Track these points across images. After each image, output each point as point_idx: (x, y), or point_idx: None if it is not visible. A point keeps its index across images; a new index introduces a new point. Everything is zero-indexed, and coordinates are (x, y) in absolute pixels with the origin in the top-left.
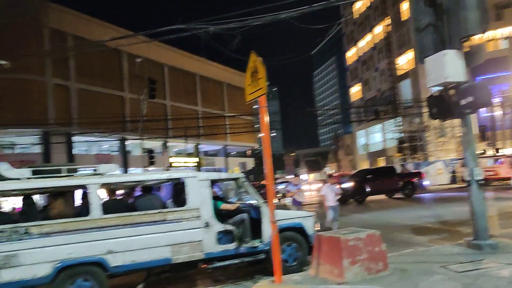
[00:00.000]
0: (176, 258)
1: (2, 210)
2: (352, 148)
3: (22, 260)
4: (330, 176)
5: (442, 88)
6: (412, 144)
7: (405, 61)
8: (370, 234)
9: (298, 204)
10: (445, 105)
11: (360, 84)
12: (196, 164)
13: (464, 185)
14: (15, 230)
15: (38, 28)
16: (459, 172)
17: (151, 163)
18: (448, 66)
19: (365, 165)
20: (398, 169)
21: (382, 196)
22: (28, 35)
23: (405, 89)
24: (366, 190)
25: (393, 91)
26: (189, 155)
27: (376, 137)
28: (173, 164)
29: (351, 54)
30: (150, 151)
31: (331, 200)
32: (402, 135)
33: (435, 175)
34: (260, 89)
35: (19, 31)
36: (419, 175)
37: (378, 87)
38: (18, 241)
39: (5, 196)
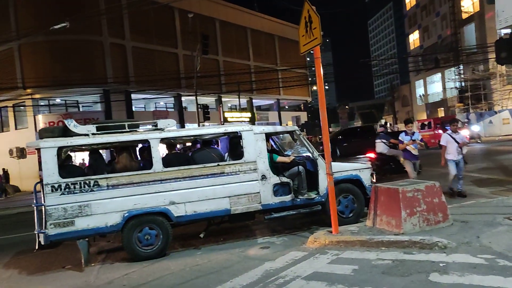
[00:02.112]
0: (234, 209)
1: (73, 163)
2: (409, 99)
3: (94, 210)
4: (454, 121)
5: None
6: (475, 93)
7: (469, 3)
8: (429, 185)
9: (414, 159)
10: None
11: (418, 31)
12: (249, 119)
13: None
14: (86, 182)
15: None
16: None
17: (206, 119)
18: None
19: (423, 116)
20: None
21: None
22: None
23: (469, 35)
24: (336, 152)
25: (455, 37)
26: (243, 110)
27: (436, 87)
28: (227, 119)
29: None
30: (205, 107)
31: (453, 152)
32: (464, 84)
33: (500, 125)
34: (314, 39)
35: None
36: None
37: (438, 33)
38: (90, 192)
39: (74, 151)
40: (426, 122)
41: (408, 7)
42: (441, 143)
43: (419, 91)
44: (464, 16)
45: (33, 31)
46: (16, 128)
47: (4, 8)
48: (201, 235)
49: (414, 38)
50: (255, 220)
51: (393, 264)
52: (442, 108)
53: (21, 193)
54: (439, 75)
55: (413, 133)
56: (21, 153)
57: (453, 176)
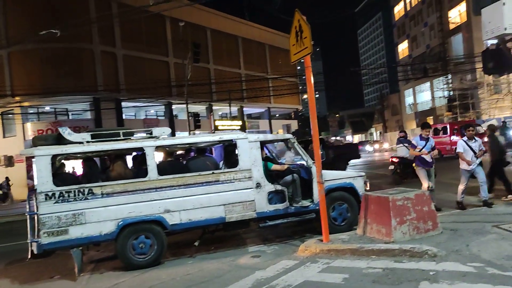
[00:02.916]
0: (229, 217)
1: (67, 172)
2: (398, 108)
3: (88, 218)
4: (469, 126)
5: (500, 40)
6: (463, 102)
7: (456, 14)
8: (418, 193)
9: (428, 166)
10: (502, 58)
11: (407, 40)
12: (240, 127)
13: None
14: (81, 191)
15: None
16: None
17: (197, 127)
18: (508, 17)
19: (412, 125)
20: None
21: None
22: (74, 3)
23: (456, 45)
24: None
25: (443, 47)
26: (234, 118)
27: (424, 96)
28: (218, 127)
29: (399, 9)
30: (195, 115)
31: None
32: (452, 93)
33: None
34: (305, 48)
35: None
36: (353, 147)
37: (427, 43)
38: (84, 201)
39: (68, 159)
40: (440, 127)
41: (396, 17)
42: (458, 150)
43: (408, 100)
44: (452, 26)
45: (23, 38)
46: (4, 136)
47: None
48: (196, 243)
49: (403, 48)
50: (247, 228)
51: (383, 272)
52: (431, 117)
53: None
54: (427, 84)
55: (427, 139)
56: (9, 161)
57: (463, 188)
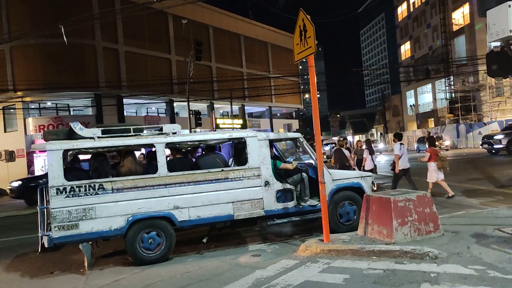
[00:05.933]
0: (238, 214)
1: (78, 166)
2: (400, 109)
3: (98, 213)
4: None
5: (504, 43)
6: (464, 104)
7: (460, 16)
8: (420, 195)
9: None
10: (507, 61)
11: (410, 42)
12: (241, 125)
13: None
14: (91, 185)
15: None
16: None
17: (198, 125)
18: None
19: (413, 126)
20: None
21: None
22: None
23: (459, 46)
24: None
25: (446, 49)
26: (235, 116)
27: (426, 98)
28: (219, 126)
29: (402, 10)
30: (197, 113)
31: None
32: (454, 95)
33: None
34: (309, 48)
35: None
36: None
37: (429, 44)
38: (94, 196)
39: (80, 154)
40: None
41: (400, 18)
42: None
43: (410, 101)
44: (455, 28)
45: (25, 33)
46: (5, 131)
47: None
48: (204, 240)
49: (405, 49)
50: (247, 228)
51: (384, 273)
52: (432, 119)
53: (8, 196)
54: (429, 85)
55: None
56: (10, 156)
57: None
